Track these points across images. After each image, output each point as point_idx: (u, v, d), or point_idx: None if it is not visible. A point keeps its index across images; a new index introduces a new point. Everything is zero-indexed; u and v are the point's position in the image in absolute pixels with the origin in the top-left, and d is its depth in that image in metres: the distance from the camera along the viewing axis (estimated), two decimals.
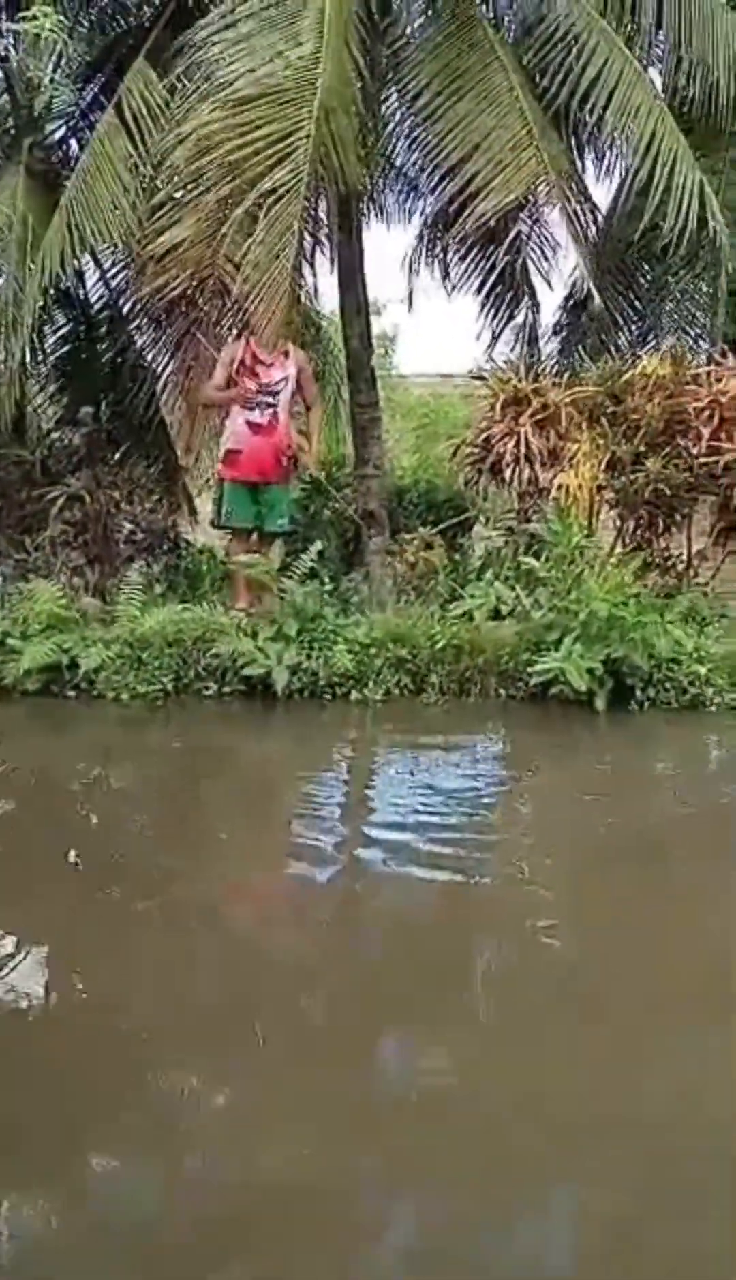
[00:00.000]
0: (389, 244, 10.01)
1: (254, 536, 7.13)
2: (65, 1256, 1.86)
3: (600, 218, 8.48)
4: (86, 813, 4.57)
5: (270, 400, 6.84)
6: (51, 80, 7.85)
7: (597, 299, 7.47)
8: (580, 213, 7.55)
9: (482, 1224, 1.96)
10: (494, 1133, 2.20)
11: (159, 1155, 2.15)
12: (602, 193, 8.53)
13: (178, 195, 6.94)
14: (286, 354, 6.89)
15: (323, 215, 8.46)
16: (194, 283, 7.03)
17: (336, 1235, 1.93)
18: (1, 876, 3.64)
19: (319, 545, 7.09)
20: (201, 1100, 2.38)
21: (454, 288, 9.10)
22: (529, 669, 5.99)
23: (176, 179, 6.98)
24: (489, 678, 6.15)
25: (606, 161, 8.21)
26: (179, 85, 6.92)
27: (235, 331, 7.45)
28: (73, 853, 3.88)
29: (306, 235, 8.34)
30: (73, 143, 8.83)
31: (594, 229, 8.26)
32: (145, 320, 8.78)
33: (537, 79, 7.21)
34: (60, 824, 4.31)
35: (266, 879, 3.82)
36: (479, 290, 9.19)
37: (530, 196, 6.87)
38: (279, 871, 3.89)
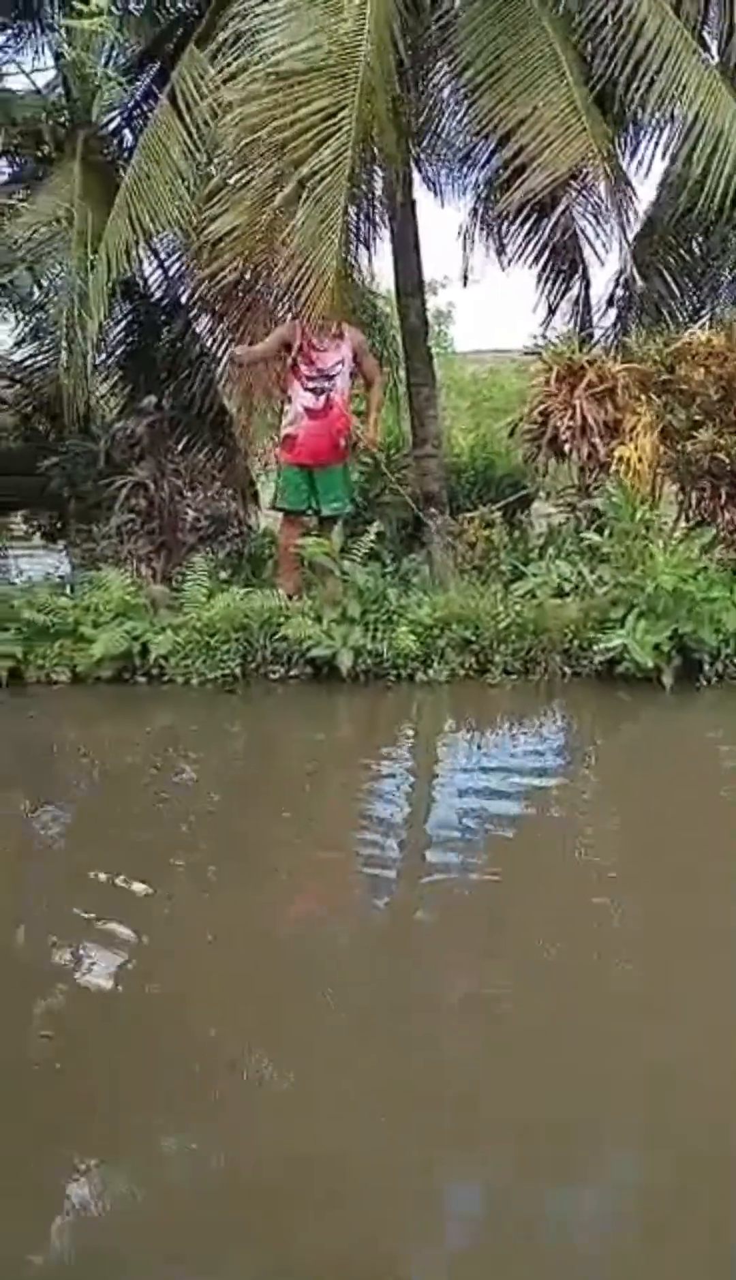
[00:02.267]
0: (443, 223, 9.95)
1: (308, 520, 7.17)
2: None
3: (652, 189, 8.35)
4: (166, 793, 4.69)
5: (326, 384, 6.86)
6: (104, 72, 7.91)
7: (639, 281, 7.40)
8: (625, 189, 7.45)
9: None
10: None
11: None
12: (655, 161, 8.33)
13: (230, 180, 6.98)
14: (341, 336, 6.91)
15: (376, 193, 8.47)
16: (248, 268, 7.08)
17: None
18: (95, 853, 3.79)
19: (378, 527, 7.13)
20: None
21: (509, 261, 9.03)
22: (594, 646, 5.98)
23: (228, 164, 7.02)
24: (553, 656, 6.14)
25: (657, 131, 8.02)
26: (227, 67, 6.94)
27: (290, 315, 7.47)
28: (151, 830, 4.03)
29: (358, 214, 8.37)
30: (127, 133, 8.90)
31: (641, 203, 8.15)
32: (203, 307, 8.86)
33: (586, 52, 7.09)
34: (140, 804, 4.45)
35: (336, 855, 3.91)
36: (534, 263, 9.10)
37: (579, 171, 6.79)
38: (348, 849, 3.97)
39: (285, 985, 2.85)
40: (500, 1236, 1.93)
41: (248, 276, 7.30)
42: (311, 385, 6.84)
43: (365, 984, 2.88)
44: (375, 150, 7.16)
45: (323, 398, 6.85)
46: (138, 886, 3.29)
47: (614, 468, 6.76)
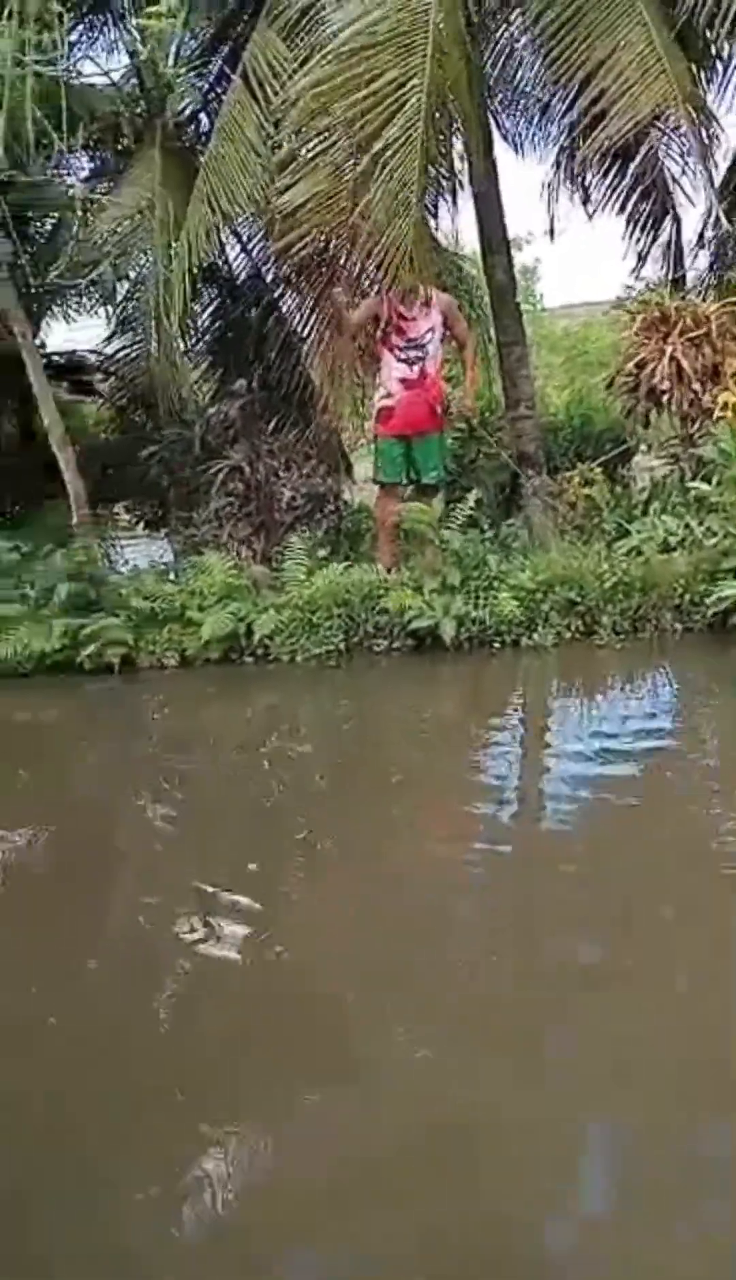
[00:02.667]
0: (525, 177, 9.70)
1: (404, 491, 7.12)
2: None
3: None
4: (281, 771, 4.76)
5: (418, 354, 6.79)
6: (175, 72, 7.93)
7: (726, 223, 7.06)
8: (711, 127, 7.12)
9: None
10: None
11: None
12: None
13: (304, 152, 6.94)
14: (428, 302, 6.81)
15: (455, 153, 8.30)
16: (323, 239, 7.02)
17: None
18: (220, 827, 3.87)
19: (476, 493, 7.04)
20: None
21: (594, 211, 8.74)
22: (706, 600, 5.80)
23: (298, 135, 6.97)
24: (663, 613, 5.99)
25: None
26: (297, 43, 6.89)
27: (374, 288, 7.40)
28: (278, 796, 4.09)
29: (439, 177, 8.22)
30: (204, 117, 8.93)
31: (732, 138, 7.76)
32: (287, 285, 8.86)
33: None
34: (257, 783, 4.53)
35: (452, 827, 3.89)
36: (620, 211, 8.80)
37: (662, 113, 6.51)
38: (465, 808, 3.95)
39: (408, 953, 2.85)
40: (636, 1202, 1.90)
41: (325, 248, 7.23)
42: (404, 356, 6.78)
43: (489, 954, 2.86)
44: (452, 113, 7.00)
45: (417, 367, 6.78)
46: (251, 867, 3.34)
47: (717, 414, 6.52)
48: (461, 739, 5.05)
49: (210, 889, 3.20)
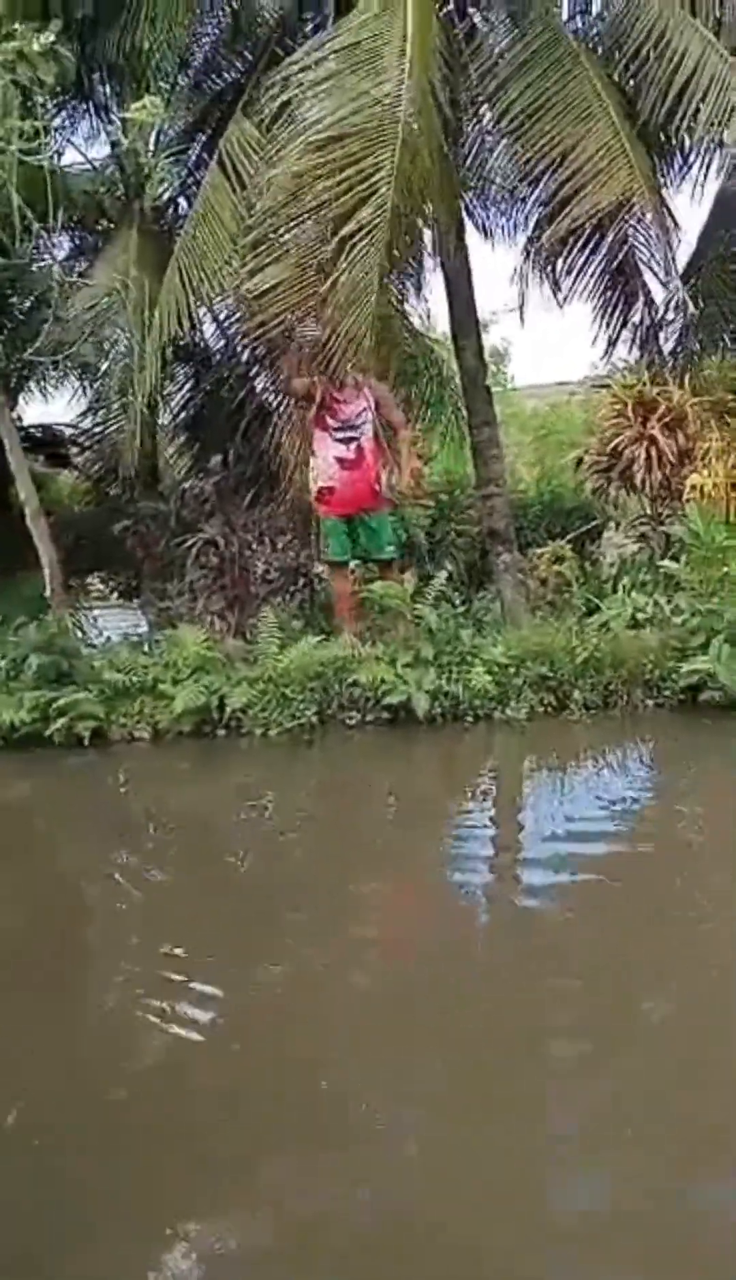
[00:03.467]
0: (493, 260, 10.00)
1: (356, 569, 7.22)
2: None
3: (703, 215, 8.29)
4: (251, 846, 4.69)
5: (352, 434, 6.95)
6: (156, 160, 8.18)
7: (692, 307, 7.34)
8: (671, 219, 7.42)
9: None
10: None
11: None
12: (710, 181, 8.27)
13: (271, 235, 7.13)
14: (359, 386, 6.99)
15: (425, 241, 8.57)
16: (291, 321, 7.18)
17: None
18: (183, 901, 3.80)
19: (448, 568, 7.13)
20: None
21: (565, 298, 9.01)
22: (675, 675, 5.86)
23: (269, 220, 7.16)
24: (634, 689, 6.04)
25: (707, 154, 7.98)
26: (272, 131, 7.13)
27: (313, 368, 7.50)
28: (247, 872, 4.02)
29: (408, 262, 8.47)
30: (182, 201, 9.16)
31: (694, 227, 8.10)
32: (259, 364, 9.02)
33: (628, 87, 7.12)
34: (233, 851, 4.46)
35: (426, 900, 3.85)
36: (589, 296, 9.08)
37: (626, 200, 6.79)
38: (440, 881, 3.91)
39: (384, 1022, 2.80)
40: None
41: (292, 330, 7.39)
42: (339, 436, 6.93)
43: (469, 1025, 2.81)
44: (421, 202, 7.25)
45: (353, 446, 6.92)
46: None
47: (686, 495, 6.67)
48: (437, 815, 5.02)
49: (174, 976, 3.13)
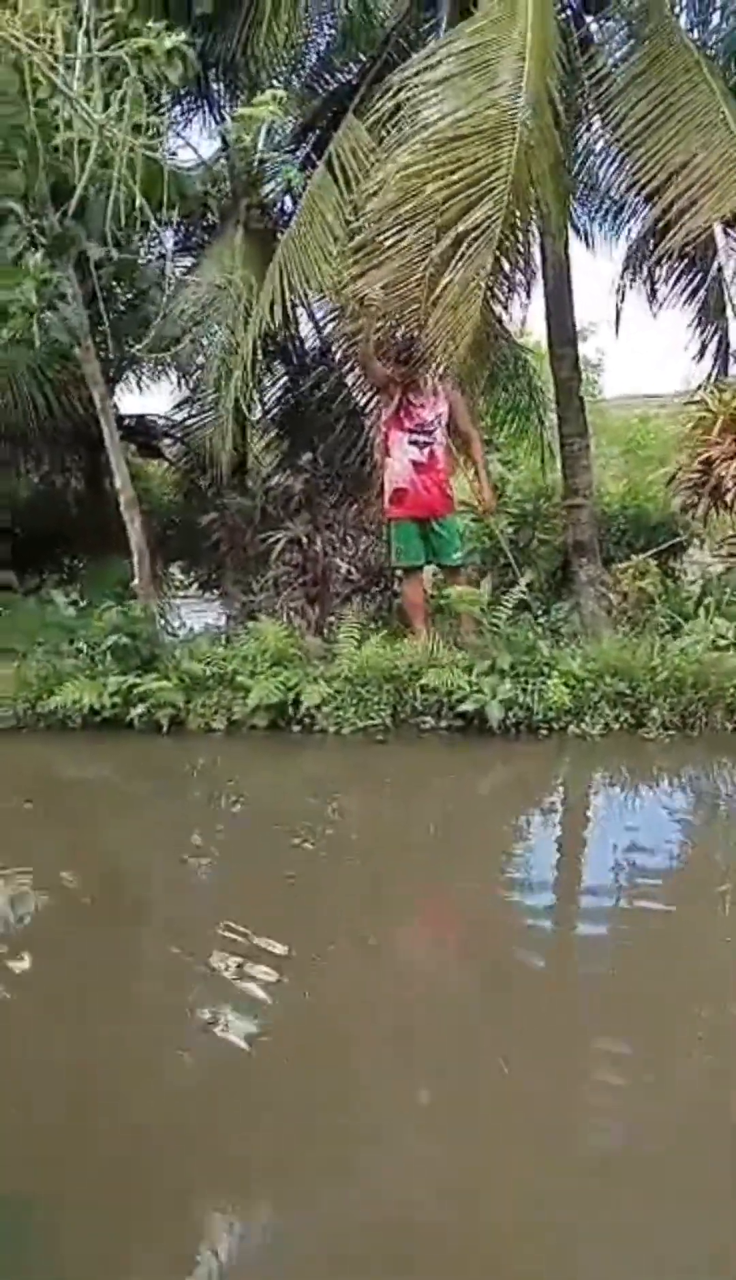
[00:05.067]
0: (590, 269, 9.91)
1: (425, 573, 7.22)
2: None
3: None
4: (313, 842, 4.74)
5: (427, 438, 6.96)
6: (267, 145, 8.28)
7: None
8: None
9: None
10: None
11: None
12: None
13: (378, 238, 7.16)
14: (436, 392, 6.99)
15: (531, 248, 8.54)
16: (394, 325, 7.20)
17: None
18: (248, 891, 3.86)
19: (529, 577, 7.09)
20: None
21: (660, 307, 8.92)
22: None
23: (380, 221, 7.19)
24: (715, 711, 5.94)
25: None
26: (385, 135, 7.16)
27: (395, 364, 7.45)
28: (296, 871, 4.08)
29: (513, 268, 8.45)
30: (287, 200, 9.26)
31: None
32: (353, 364, 9.07)
33: None
34: (295, 840, 4.52)
35: (481, 910, 3.85)
36: (687, 307, 8.98)
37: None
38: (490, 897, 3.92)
39: (430, 1028, 2.81)
40: None
41: (392, 333, 7.42)
42: (414, 439, 6.94)
43: (518, 1035, 2.81)
44: (532, 206, 7.22)
45: (426, 450, 6.94)
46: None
47: None
48: (499, 823, 5.03)
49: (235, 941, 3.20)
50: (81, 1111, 2.50)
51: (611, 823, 4.99)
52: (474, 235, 6.30)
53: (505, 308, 7.75)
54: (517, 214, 6.59)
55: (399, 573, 7.43)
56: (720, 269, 8.59)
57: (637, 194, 7.92)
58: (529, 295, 8.35)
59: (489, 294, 6.58)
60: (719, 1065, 2.66)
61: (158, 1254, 2.03)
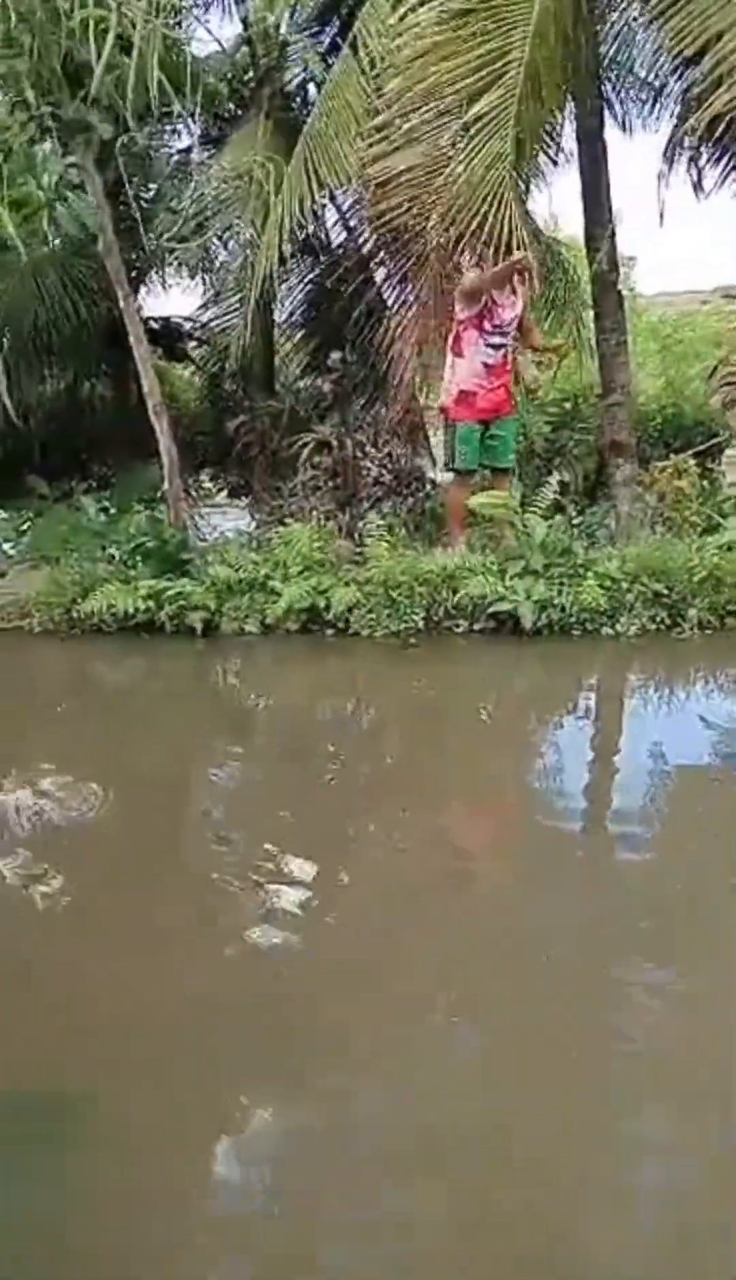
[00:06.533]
0: (629, 163, 9.49)
1: (477, 476, 7.09)
2: None
3: None
4: (344, 744, 4.79)
5: (503, 340, 6.76)
6: (290, 28, 7.92)
7: None
8: None
9: None
10: None
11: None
12: None
13: (397, 121, 6.88)
14: (514, 290, 6.75)
15: (561, 133, 8.19)
16: (417, 209, 6.95)
17: None
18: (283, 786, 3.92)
19: (561, 477, 6.98)
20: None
21: (706, 196, 8.52)
22: None
23: (397, 104, 6.90)
24: None
25: None
26: (407, 12, 6.81)
27: (471, 260, 7.24)
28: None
29: (539, 156, 8.11)
30: (311, 88, 8.90)
31: None
32: (384, 257, 8.79)
33: None
34: (326, 741, 4.57)
35: (510, 810, 3.88)
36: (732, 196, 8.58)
37: None
38: (523, 807, 3.95)
39: (452, 931, 2.86)
40: None
41: (418, 218, 7.16)
42: (491, 340, 6.73)
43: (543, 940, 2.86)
44: (559, 89, 6.89)
45: (501, 352, 6.76)
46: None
47: None
48: (531, 723, 5.04)
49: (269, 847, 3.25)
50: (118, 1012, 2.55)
51: (643, 724, 4.98)
52: (488, 119, 6.06)
53: (529, 196, 7.47)
54: (537, 98, 6.30)
55: (448, 475, 7.29)
56: None
57: (671, 72, 7.52)
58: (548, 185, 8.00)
59: (515, 181, 6.36)
60: None
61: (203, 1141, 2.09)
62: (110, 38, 3.54)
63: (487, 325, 6.71)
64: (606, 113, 8.39)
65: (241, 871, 3.13)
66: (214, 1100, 2.14)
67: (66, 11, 4.73)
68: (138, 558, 6.61)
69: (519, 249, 6.37)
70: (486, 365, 6.74)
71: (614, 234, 7.83)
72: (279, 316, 9.47)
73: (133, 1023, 2.41)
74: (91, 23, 3.84)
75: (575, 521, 6.80)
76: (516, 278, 6.70)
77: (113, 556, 6.83)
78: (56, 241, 7.99)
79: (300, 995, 2.53)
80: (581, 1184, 1.93)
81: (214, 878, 3.14)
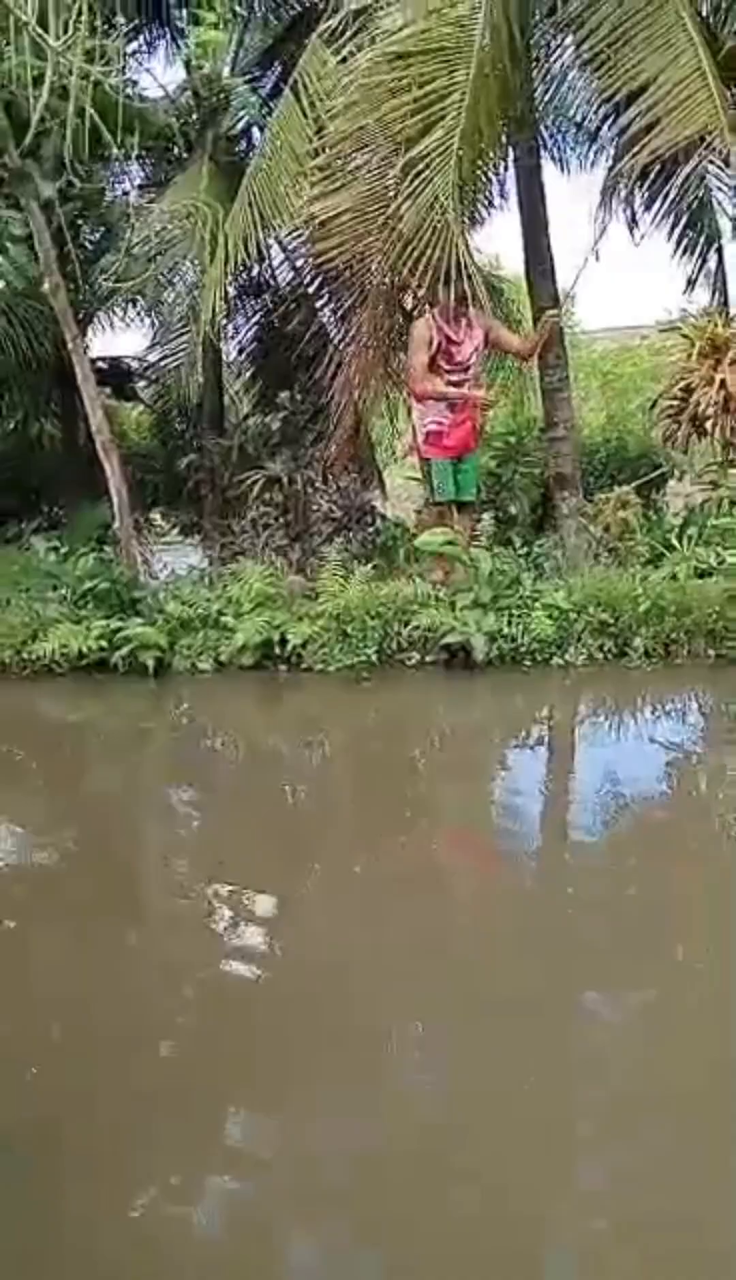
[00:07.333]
0: (568, 203, 9.73)
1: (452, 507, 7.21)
2: None
3: None
4: (300, 780, 4.80)
5: (463, 377, 6.91)
6: (232, 73, 8.04)
7: None
8: None
9: None
10: None
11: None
12: None
13: (339, 160, 7.01)
14: (470, 323, 6.89)
15: (501, 173, 8.38)
16: (361, 246, 7.07)
17: None
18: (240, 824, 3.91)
19: (499, 512, 7.13)
20: None
21: (641, 236, 8.76)
22: None
23: (338, 146, 7.03)
24: (697, 639, 5.99)
25: None
26: (344, 50, 6.97)
27: (418, 309, 7.40)
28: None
29: (480, 196, 8.29)
30: (255, 131, 9.04)
31: None
32: (328, 297, 8.91)
33: (711, 21, 6.85)
34: (281, 776, 4.57)
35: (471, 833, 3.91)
36: (665, 233, 8.84)
37: (706, 135, 6.55)
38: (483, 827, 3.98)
39: (411, 959, 2.87)
40: None
41: (355, 260, 7.29)
42: (452, 380, 6.88)
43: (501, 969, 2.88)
44: (498, 131, 7.07)
45: (464, 388, 6.90)
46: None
47: None
48: (481, 754, 5.09)
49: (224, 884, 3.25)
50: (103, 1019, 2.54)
51: (593, 750, 5.05)
52: (431, 158, 6.20)
53: (469, 235, 7.63)
54: (477, 138, 6.46)
55: (423, 512, 7.46)
56: (705, 192, 8.47)
57: (606, 116, 7.75)
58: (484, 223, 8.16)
59: (459, 221, 6.49)
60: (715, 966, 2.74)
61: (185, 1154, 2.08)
62: (46, 87, 3.58)
63: (445, 365, 6.85)
64: (544, 154, 8.64)
65: (199, 908, 3.12)
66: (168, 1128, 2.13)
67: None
68: (89, 599, 6.59)
69: (469, 281, 6.50)
70: (450, 405, 6.90)
71: (552, 271, 8.02)
72: (227, 355, 9.54)
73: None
74: (26, 71, 3.88)
75: (521, 553, 6.89)
76: (472, 310, 6.85)
77: (64, 597, 6.80)
78: (1, 284, 8.00)
79: (263, 1028, 2.52)
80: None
81: (172, 914, 3.13)
